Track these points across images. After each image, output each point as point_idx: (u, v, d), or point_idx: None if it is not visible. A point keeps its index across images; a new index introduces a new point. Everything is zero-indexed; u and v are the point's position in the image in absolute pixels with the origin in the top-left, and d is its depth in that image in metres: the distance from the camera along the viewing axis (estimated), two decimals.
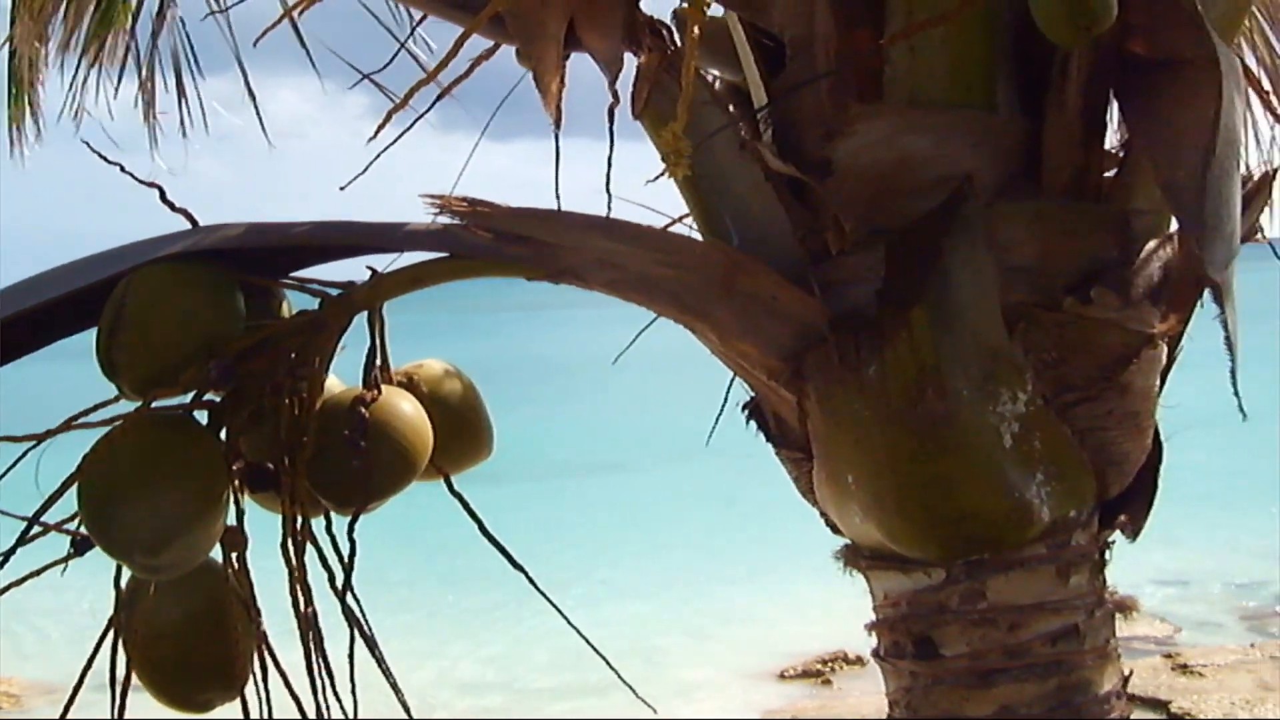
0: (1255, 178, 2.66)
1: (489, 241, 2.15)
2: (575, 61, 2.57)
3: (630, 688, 2.40)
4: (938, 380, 2.21)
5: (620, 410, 29.57)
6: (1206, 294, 2.42)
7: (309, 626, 2.17)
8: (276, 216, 2.29)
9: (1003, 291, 2.28)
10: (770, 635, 13.18)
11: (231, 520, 2.14)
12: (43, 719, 11.01)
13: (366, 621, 2.19)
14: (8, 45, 5.03)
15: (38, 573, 2.11)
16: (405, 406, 2.24)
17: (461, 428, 2.38)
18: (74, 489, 2.04)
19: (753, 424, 2.63)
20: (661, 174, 2.31)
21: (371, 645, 2.19)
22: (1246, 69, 2.91)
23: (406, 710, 2.26)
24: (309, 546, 2.19)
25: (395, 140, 2.45)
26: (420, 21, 3.52)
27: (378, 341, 2.29)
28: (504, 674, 12.80)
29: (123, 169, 2.34)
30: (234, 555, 2.16)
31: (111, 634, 2.14)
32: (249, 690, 2.19)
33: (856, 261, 2.36)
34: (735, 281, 2.24)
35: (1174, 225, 2.45)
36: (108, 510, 2.01)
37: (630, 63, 2.51)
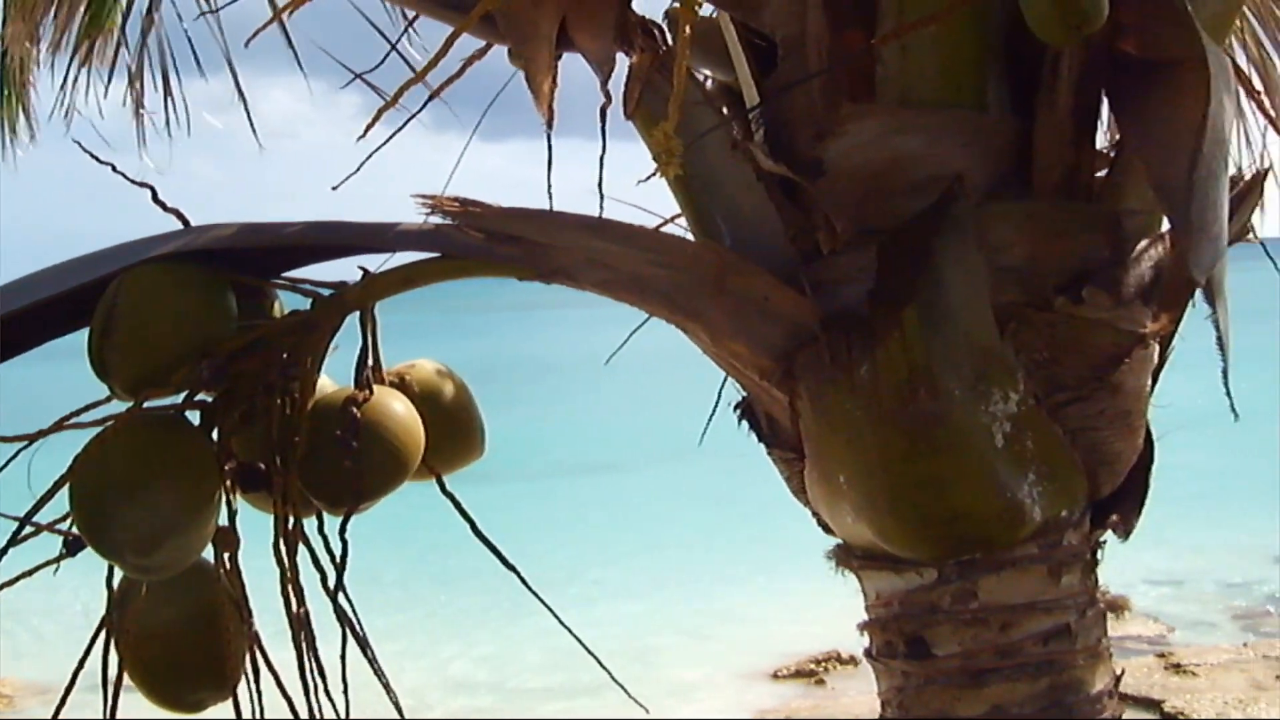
0: (1246, 178, 2.67)
1: (480, 242, 2.15)
2: (567, 61, 2.58)
3: (623, 687, 2.40)
4: (929, 380, 2.21)
5: (613, 410, 29.57)
6: (1198, 294, 2.43)
7: (301, 627, 2.17)
8: (269, 217, 2.29)
9: (994, 291, 2.28)
10: (764, 635, 13.17)
11: (223, 520, 2.14)
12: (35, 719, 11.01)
13: (359, 621, 2.19)
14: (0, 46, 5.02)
15: (29, 573, 2.11)
16: (397, 407, 2.24)
17: (453, 428, 2.38)
18: (66, 489, 2.05)
19: (744, 424, 2.63)
20: (653, 174, 2.31)
21: (364, 645, 2.19)
22: (1238, 69, 2.91)
23: (399, 710, 2.26)
24: (301, 547, 2.19)
25: (387, 140, 2.45)
26: (412, 22, 3.52)
27: (369, 341, 2.29)
28: (497, 674, 12.79)
29: (114, 169, 2.34)
30: (226, 555, 2.16)
31: (104, 634, 2.14)
32: (241, 690, 2.19)
33: (848, 261, 2.37)
34: (727, 281, 2.24)
35: (1165, 225, 2.45)
36: (99, 510, 2.01)
37: (622, 63, 2.51)
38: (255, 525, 2.21)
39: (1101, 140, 2.52)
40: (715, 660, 12.71)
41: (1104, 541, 2.48)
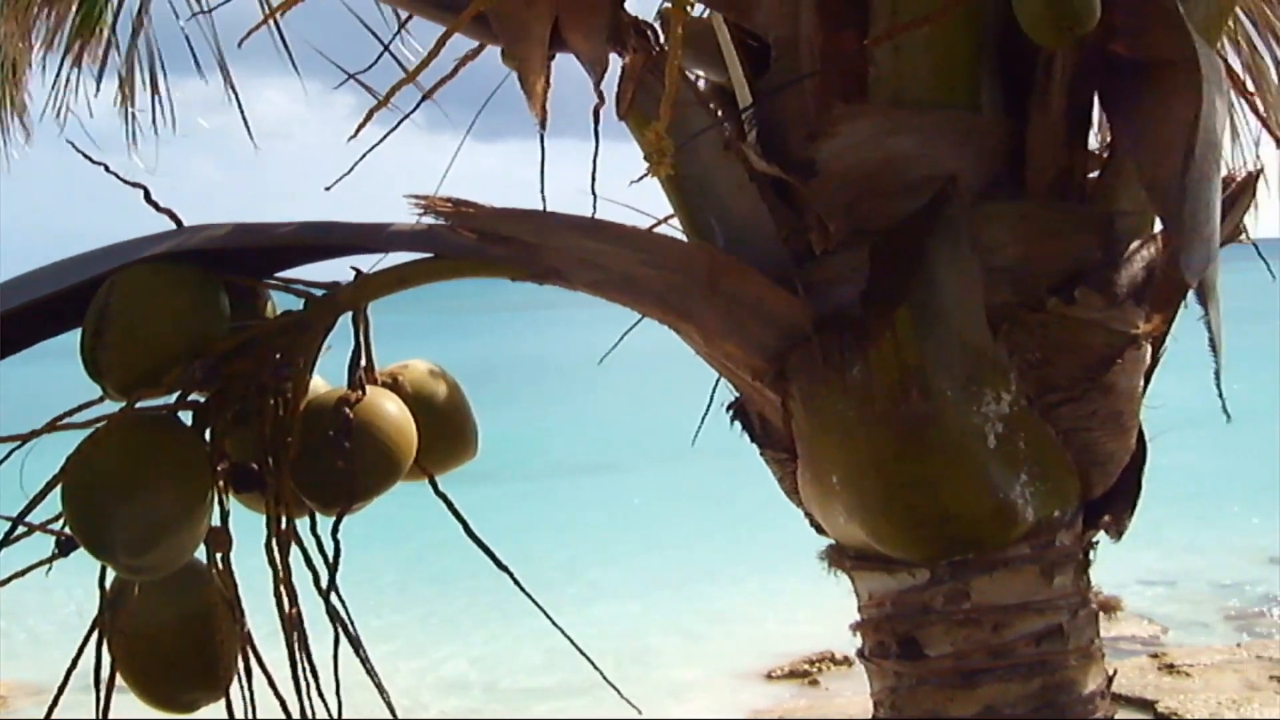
0: (1239, 179, 2.67)
1: (473, 242, 2.15)
2: (561, 62, 2.58)
3: (615, 688, 2.40)
4: (922, 381, 2.21)
5: (611, 410, 29.57)
6: (1191, 295, 2.43)
7: (293, 627, 2.17)
8: (267, 217, 2.30)
9: (987, 292, 2.28)
10: (758, 635, 13.18)
11: (216, 521, 2.14)
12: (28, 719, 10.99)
13: (351, 622, 2.19)
14: None
15: (22, 573, 2.11)
16: (390, 407, 2.24)
17: (446, 428, 2.38)
18: (58, 489, 2.04)
19: (737, 425, 2.63)
20: (645, 174, 2.31)
21: (356, 645, 2.19)
22: (1230, 71, 2.92)
23: (391, 710, 2.26)
24: (294, 547, 2.19)
25: (380, 141, 2.45)
26: (406, 22, 3.52)
27: (362, 342, 2.29)
28: (494, 674, 12.79)
29: (107, 169, 2.34)
30: (219, 556, 2.16)
31: (96, 634, 2.14)
32: (234, 691, 2.19)
33: (841, 262, 2.37)
34: (719, 282, 2.24)
35: (1158, 226, 2.46)
36: (92, 511, 2.01)
37: (616, 63, 2.52)
38: (248, 526, 2.21)
39: (1094, 141, 2.53)
40: (710, 660, 12.71)
41: (1096, 542, 2.49)
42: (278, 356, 2.18)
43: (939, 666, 2.37)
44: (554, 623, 2.30)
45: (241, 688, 2.18)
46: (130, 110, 5.28)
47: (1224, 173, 2.44)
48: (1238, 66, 4.14)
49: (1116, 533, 2.50)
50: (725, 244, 2.45)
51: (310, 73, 5.12)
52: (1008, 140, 2.39)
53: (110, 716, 2.15)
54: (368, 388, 2.25)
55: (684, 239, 2.52)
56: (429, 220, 2.12)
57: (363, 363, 2.28)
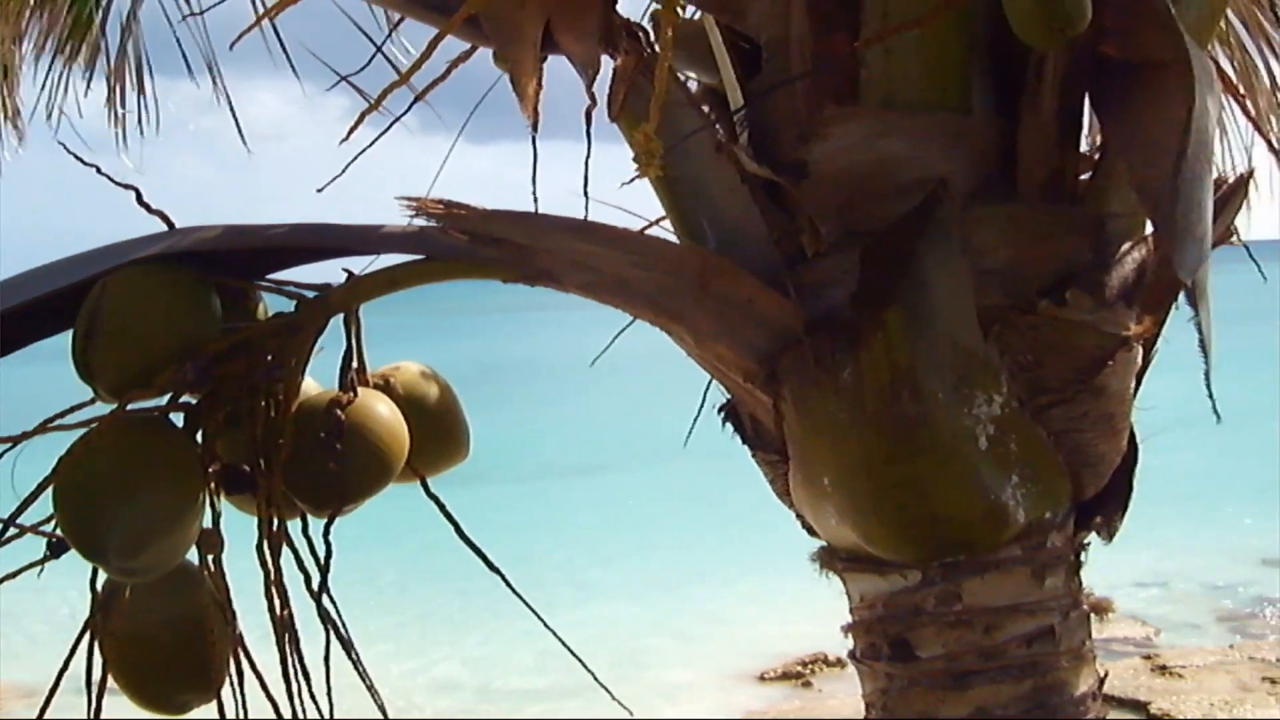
0: (1230, 180, 2.68)
1: (465, 244, 2.15)
2: (553, 64, 2.58)
3: (606, 689, 2.41)
4: (913, 382, 2.21)
5: (604, 412, 29.55)
6: (1182, 296, 2.44)
7: (285, 628, 2.17)
8: (260, 218, 2.29)
9: (978, 294, 2.28)
10: (751, 637, 13.18)
11: (208, 522, 2.14)
12: None
13: (343, 623, 2.19)
14: None
15: (13, 575, 2.11)
16: (381, 409, 2.24)
17: (438, 430, 2.38)
18: (50, 491, 2.04)
19: (729, 426, 2.63)
20: (636, 176, 2.31)
21: (347, 646, 2.19)
22: (1222, 73, 2.92)
23: (383, 711, 2.26)
24: (285, 549, 2.19)
25: (372, 143, 2.44)
26: (398, 24, 3.52)
27: (354, 344, 2.29)
28: (487, 675, 12.79)
29: (99, 170, 2.34)
30: (210, 557, 2.16)
31: (88, 636, 2.14)
32: (225, 692, 2.19)
33: (832, 264, 2.37)
34: (711, 284, 2.24)
35: (1149, 228, 2.46)
36: (83, 513, 2.01)
37: (607, 65, 2.52)
38: (240, 528, 2.21)
39: (1085, 143, 2.53)
40: (703, 662, 12.72)
41: (1088, 543, 2.49)
42: (269, 358, 2.19)
43: (930, 668, 2.37)
44: (546, 624, 2.30)
45: (233, 689, 2.18)
46: (121, 112, 5.28)
47: (1215, 175, 2.44)
48: (1229, 69, 4.14)
49: (1108, 534, 2.50)
50: (717, 246, 2.45)
51: (303, 75, 5.12)
52: (999, 142, 2.39)
53: (102, 718, 2.15)
54: (359, 389, 2.25)
55: (676, 241, 2.53)
56: (421, 222, 2.13)
57: (354, 364, 2.29)
